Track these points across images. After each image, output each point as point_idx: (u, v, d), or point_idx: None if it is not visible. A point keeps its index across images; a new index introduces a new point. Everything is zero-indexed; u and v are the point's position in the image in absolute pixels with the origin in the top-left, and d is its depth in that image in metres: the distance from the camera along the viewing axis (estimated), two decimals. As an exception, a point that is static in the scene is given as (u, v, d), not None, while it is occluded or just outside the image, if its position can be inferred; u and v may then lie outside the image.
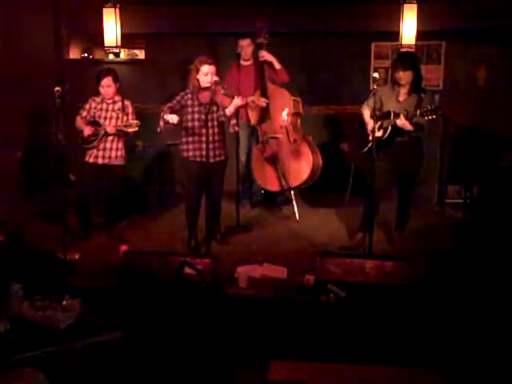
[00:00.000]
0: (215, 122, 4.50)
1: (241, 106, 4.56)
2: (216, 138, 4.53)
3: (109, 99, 4.82)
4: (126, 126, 4.69)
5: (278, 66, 5.40)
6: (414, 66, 4.47)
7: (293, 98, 5.36)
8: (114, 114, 4.80)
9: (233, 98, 4.44)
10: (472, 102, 6.36)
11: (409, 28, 5.59)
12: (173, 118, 4.36)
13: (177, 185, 6.20)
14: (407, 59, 4.55)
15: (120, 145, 4.83)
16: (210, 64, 4.41)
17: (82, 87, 5.70)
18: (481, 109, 6.26)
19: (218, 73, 4.46)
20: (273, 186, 5.49)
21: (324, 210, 5.80)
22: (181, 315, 3.41)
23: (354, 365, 2.68)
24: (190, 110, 4.51)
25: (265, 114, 5.39)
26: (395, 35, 5.72)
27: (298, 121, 5.47)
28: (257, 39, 5.41)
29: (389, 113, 4.47)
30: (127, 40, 6.25)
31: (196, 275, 3.62)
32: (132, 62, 6.89)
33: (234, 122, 4.72)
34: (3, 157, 5.61)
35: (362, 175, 5.35)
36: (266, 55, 5.37)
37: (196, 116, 4.50)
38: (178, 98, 4.53)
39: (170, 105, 4.50)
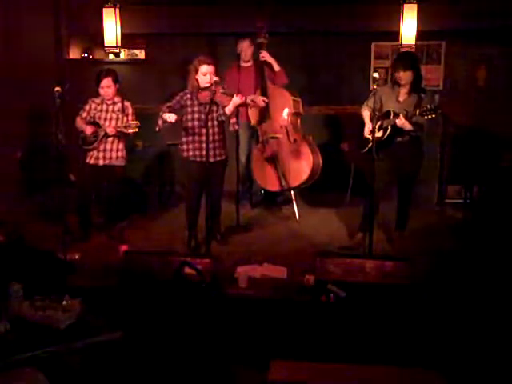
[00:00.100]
0: (215, 122, 4.50)
1: (240, 105, 4.55)
2: (216, 137, 4.53)
3: (108, 100, 4.81)
4: (125, 127, 4.68)
5: (277, 67, 5.41)
6: (414, 66, 4.47)
7: (293, 98, 5.36)
8: (114, 115, 4.80)
9: (232, 96, 4.43)
10: (472, 102, 6.36)
11: (409, 28, 5.58)
12: (170, 117, 4.36)
13: (177, 185, 6.20)
14: (407, 59, 4.55)
15: (120, 145, 4.83)
16: (208, 64, 4.41)
17: (82, 87, 5.70)
18: (481, 109, 6.26)
19: (217, 73, 4.46)
20: (273, 186, 5.50)
21: (324, 209, 5.80)
22: (181, 315, 3.41)
23: (354, 365, 2.67)
24: (189, 109, 4.51)
25: (265, 113, 5.39)
26: (395, 35, 5.72)
27: (298, 121, 5.47)
28: (257, 39, 5.41)
29: (388, 113, 4.47)
30: (127, 40, 6.24)
31: (196, 275, 3.62)
32: (132, 62, 6.89)
33: (233, 120, 4.73)
34: (3, 157, 5.61)
35: (362, 175, 5.36)
36: (266, 56, 5.37)
37: (196, 116, 4.50)
38: (178, 97, 4.53)
39: (169, 104, 4.50)
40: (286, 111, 5.32)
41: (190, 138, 4.54)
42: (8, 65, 5.67)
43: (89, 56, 6.82)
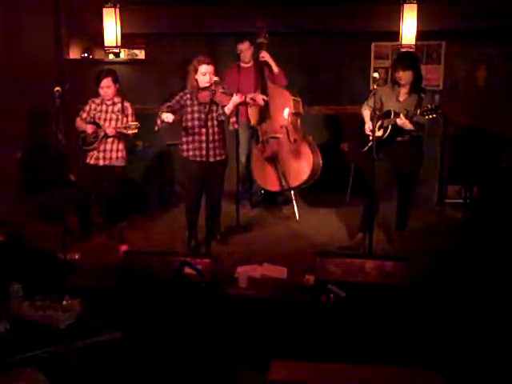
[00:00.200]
0: (215, 122, 4.50)
1: (240, 104, 4.54)
2: (216, 137, 4.53)
3: (108, 100, 4.81)
4: (125, 128, 4.68)
5: (276, 69, 5.40)
6: (414, 66, 4.47)
7: (293, 97, 5.36)
8: (114, 116, 4.79)
9: (231, 95, 4.43)
10: (472, 102, 6.36)
11: (409, 28, 5.58)
12: (168, 117, 4.35)
13: (177, 185, 6.20)
14: (407, 59, 4.55)
15: (120, 146, 4.83)
16: (208, 64, 4.41)
17: (82, 87, 5.70)
18: (481, 109, 6.27)
19: (216, 73, 4.45)
20: (273, 185, 5.49)
21: (324, 210, 5.79)
22: (181, 315, 3.41)
23: (354, 365, 2.67)
24: (189, 109, 4.51)
25: (265, 113, 5.39)
26: (395, 35, 5.72)
27: (298, 121, 5.46)
28: (257, 39, 5.41)
29: (389, 112, 4.46)
30: (127, 40, 6.24)
31: (196, 275, 3.62)
32: (132, 62, 6.90)
33: (233, 119, 4.72)
34: (3, 157, 5.61)
35: (362, 175, 5.35)
36: (266, 56, 5.37)
37: (196, 116, 4.50)
38: (177, 97, 4.53)
39: (168, 104, 4.49)
40: (286, 111, 5.32)
41: (190, 138, 4.54)
42: (8, 65, 5.67)
43: (89, 56, 6.82)
